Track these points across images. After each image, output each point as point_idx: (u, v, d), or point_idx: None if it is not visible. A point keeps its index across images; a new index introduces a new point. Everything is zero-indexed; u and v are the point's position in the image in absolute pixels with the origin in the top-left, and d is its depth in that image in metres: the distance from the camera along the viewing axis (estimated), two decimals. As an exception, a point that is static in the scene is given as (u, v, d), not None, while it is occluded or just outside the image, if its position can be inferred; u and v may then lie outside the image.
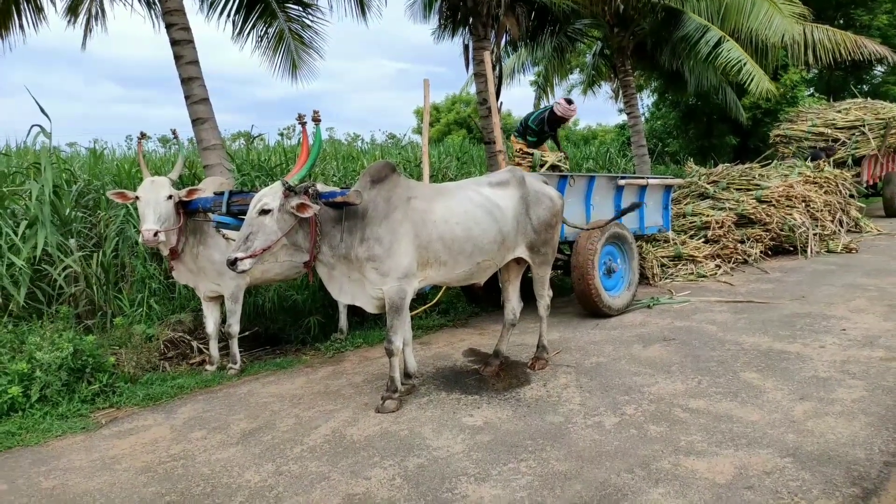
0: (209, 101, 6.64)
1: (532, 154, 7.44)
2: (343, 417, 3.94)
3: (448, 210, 4.06)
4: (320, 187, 3.88)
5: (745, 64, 11.50)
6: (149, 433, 3.91)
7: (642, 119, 15.07)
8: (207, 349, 5.34)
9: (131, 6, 8.12)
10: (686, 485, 2.86)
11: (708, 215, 8.80)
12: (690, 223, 8.84)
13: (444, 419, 3.82)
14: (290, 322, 6.11)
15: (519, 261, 4.58)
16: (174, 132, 5.52)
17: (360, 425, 3.80)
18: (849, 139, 12.72)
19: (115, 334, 5.28)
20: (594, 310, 6.09)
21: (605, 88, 17.63)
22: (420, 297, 6.33)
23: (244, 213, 4.08)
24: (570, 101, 7.60)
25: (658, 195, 7.72)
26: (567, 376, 4.48)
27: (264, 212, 3.58)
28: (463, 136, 25.74)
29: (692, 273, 7.92)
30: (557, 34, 12.72)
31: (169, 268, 5.13)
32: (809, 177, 9.97)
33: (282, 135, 11.84)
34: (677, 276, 7.89)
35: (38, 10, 7.81)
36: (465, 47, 9.77)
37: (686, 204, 9.32)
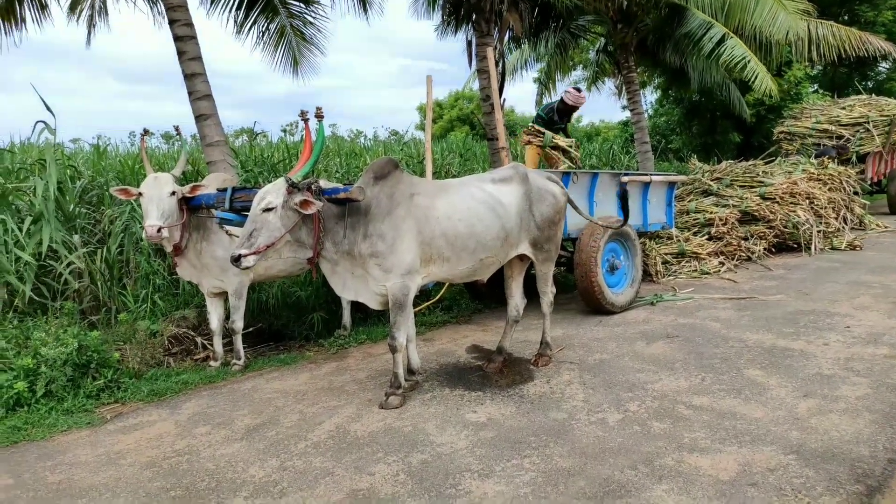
0: (212, 97, 6.64)
1: (544, 133, 7.43)
2: (347, 413, 3.95)
3: (451, 206, 4.06)
4: (323, 184, 3.89)
5: (748, 61, 11.44)
6: (153, 428, 3.92)
7: (645, 115, 15.02)
8: (211, 345, 5.36)
9: (134, 3, 8.13)
10: (689, 482, 2.86)
11: (711, 212, 8.77)
12: (694, 220, 8.82)
13: (447, 415, 3.83)
14: (294, 318, 6.12)
15: (522, 257, 4.58)
16: (177, 128, 5.54)
17: (363, 421, 3.81)
18: (853, 136, 12.67)
19: (120, 330, 5.29)
20: (597, 307, 6.09)
21: (609, 85, 17.58)
22: (423, 294, 6.34)
23: (247, 209, 4.09)
24: (578, 90, 7.71)
25: (661, 192, 7.71)
26: (570, 373, 4.49)
27: (268, 209, 3.58)
28: (466, 133, 25.72)
29: (695, 270, 7.91)
30: (560, 30, 12.70)
31: (172, 264, 5.14)
32: (813, 174, 9.93)
33: (284, 131, 11.83)
34: (681, 273, 7.88)
35: (43, 7, 7.80)
36: (468, 43, 9.75)
37: (689, 201, 9.29)
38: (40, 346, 4.39)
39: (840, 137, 12.75)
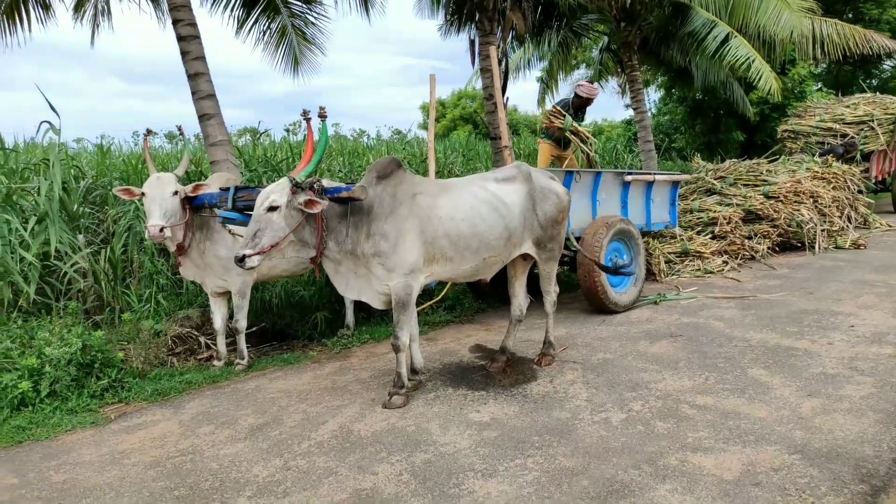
0: (215, 96, 6.64)
1: (565, 116, 7.44)
2: (350, 413, 3.96)
3: (454, 206, 4.06)
4: (326, 183, 3.89)
5: (752, 61, 11.39)
6: (157, 428, 3.93)
7: (649, 114, 14.99)
8: (215, 345, 5.37)
9: (138, 5, 8.14)
10: (693, 481, 2.86)
11: (715, 211, 8.75)
12: (697, 219, 8.80)
13: (450, 415, 3.83)
14: (297, 318, 6.12)
15: (525, 257, 4.58)
16: (179, 128, 5.54)
17: (367, 421, 3.81)
18: (857, 134, 12.62)
19: (124, 330, 5.31)
20: (600, 306, 6.08)
21: (612, 84, 17.54)
22: (426, 293, 6.34)
23: (250, 208, 4.09)
24: (590, 82, 7.78)
25: (665, 191, 7.69)
26: (574, 372, 4.48)
27: (272, 208, 3.58)
28: (469, 132, 25.70)
29: (699, 269, 7.89)
30: (563, 29, 12.67)
31: (176, 263, 5.15)
32: (817, 172, 9.90)
33: (287, 131, 11.84)
34: (684, 272, 7.87)
35: (46, 7, 7.82)
36: (471, 42, 9.74)
37: (693, 200, 9.27)
38: (44, 346, 4.41)
39: (844, 136, 12.70)
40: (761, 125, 17.55)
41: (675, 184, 7.86)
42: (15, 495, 3.14)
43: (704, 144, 18.23)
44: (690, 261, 8.06)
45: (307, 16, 8.89)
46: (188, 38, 6.54)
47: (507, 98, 8.33)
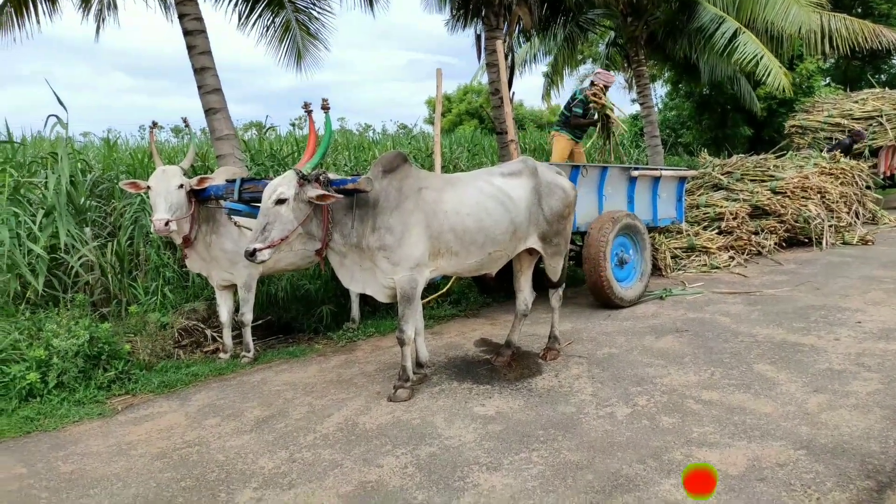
0: (222, 91, 6.65)
1: (606, 95, 7.76)
2: (355, 406, 3.97)
3: (459, 201, 4.06)
4: (331, 176, 3.89)
5: (761, 58, 11.29)
6: (164, 420, 3.95)
7: (655, 109, 14.92)
8: (221, 337, 5.39)
9: (145, 0, 8.14)
10: (698, 476, 2.86)
11: (722, 206, 8.73)
12: (704, 214, 8.77)
13: (455, 408, 3.84)
14: (303, 311, 6.14)
15: (531, 251, 4.57)
16: (185, 121, 5.55)
17: (372, 414, 3.82)
18: (865, 130, 12.55)
19: (130, 322, 5.34)
20: (606, 301, 6.07)
21: (619, 79, 17.48)
22: (431, 287, 6.34)
23: (256, 200, 4.10)
24: (607, 68, 7.90)
25: (672, 187, 7.66)
26: (579, 367, 4.48)
27: (280, 201, 3.57)
28: (474, 127, 25.68)
29: (705, 264, 7.88)
30: (569, 24, 12.62)
31: (182, 256, 5.17)
32: (825, 168, 9.86)
33: (293, 125, 11.86)
34: (690, 267, 7.85)
35: (53, 0, 7.83)
36: (478, 37, 9.72)
37: (700, 195, 9.25)
38: (52, 338, 4.44)
39: (851, 131, 12.64)
40: (769, 120, 17.47)
41: (682, 179, 7.84)
42: (24, 485, 3.16)
43: (711, 140, 18.16)
44: (697, 256, 8.04)
45: (311, 11, 8.88)
46: (194, 33, 6.55)
47: (514, 93, 8.35)
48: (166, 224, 4.52)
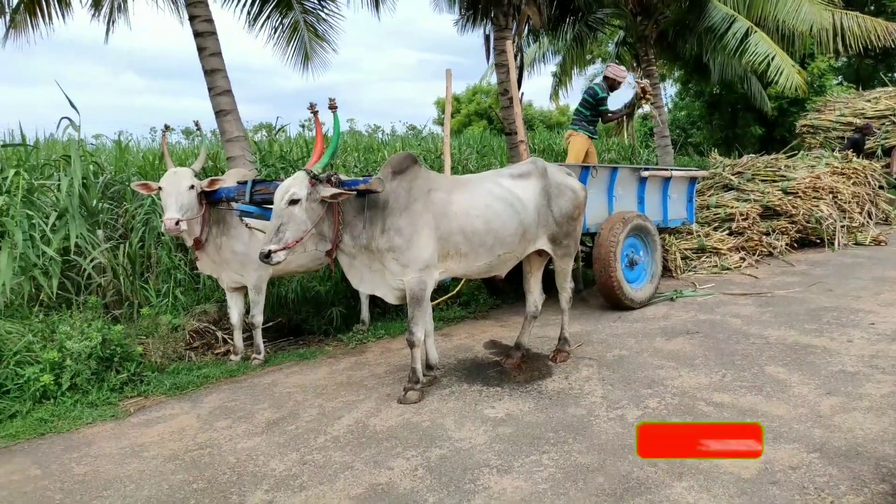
0: (232, 92, 6.69)
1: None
2: (366, 408, 3.98)
3: (468, 203, 4.06)
4: (342, 177, 3.90)
5: (773, 58, 11.20)
6: (176, 422, 3.97)
7: (665, 109, 14.86)
8: (232, 339, 5.41)
9: (155, 2, 8.19)
10: (710, 479, 2.85)
11: (732, 207, 8.67)
12: (714, 215, 8.72)
13: (465, 411, 3.84)
14: (313, 313, 6.16)
15: (541, 253, 4.57)
16: (197, 123, 5.58)
17: (382, 416, 3.83)
18: (878, 129, 12.44)
19: (142, 324, 5.37)
20: (616, 302, 6.05)
21: (629, 78, 17.41)
22: (441, 289, 6.34)
23: (267, 202, 4.11)
24: (617, 64, 7.96)
25: (682, 187, 7.63)
26: (589, 369, 4.47)
27: (293, 202, 3.58)
28: (483, 127, 25.66)
29: (716, 266, 7.83)
30: (578, 23, 12.59)
31: (193, 258, 5.19)
32: (837, 168, 9.77)
33: (303, 126, 11.89)
34: (701, 268, 7.81)
35: (65, 3, 7.89)
36: (486, 37, 9.72)
37: (710, 195, 9.20)
38: (65, 340, 4.48)
39: (859, 127, 12.54)
40: (780, 120, 17.37)
41: (693, 180, 7.80)
42: (38, 486, 3.19)
43: (722, 139, 18.08)
44: (707, 257, 8.00)
45: (319, 12, 8.91)
46: (205, 35, 6.59)
47: (522, 93, 8.33)
48: (177, 223, 4.54)
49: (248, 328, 5.33)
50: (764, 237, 8.56)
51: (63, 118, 6.08)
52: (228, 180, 4.92)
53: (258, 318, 5.15)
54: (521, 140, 7.02)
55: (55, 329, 4.70)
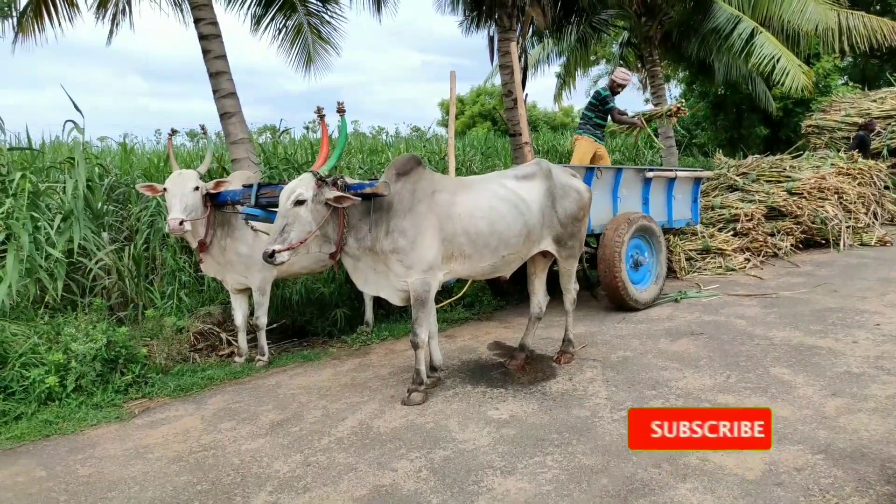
0: (236, 95, 6.70)
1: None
2: (369, 409, 3.98)
3: (472, 204, 4.06)
4: (348, 180, 3.91)
5: (778, 59, 11.14)
6: (180, 423, 3.98)
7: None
8: (236, 341, 5.42)
9: (158, 4, 8.21)
10: (714, 480, 2.84)
11: (737, 208, 8.65)
12: (719, 216, 8.69)
13: (469, 412, 3.83)
14: (317, 315, 6.17)
15: (545, 254, 4.56)
16: (203, 127, 5.60)
17: (386, 417, 3.83)
18: (884, 129, 12.38)
19: (147, 326, 5.39)
20: (621, 303, 6.04)
21: (633, 79, 17.38)
22: (445, 290, 6.34)
23: (272, 204, 4.12)
24: (624, 67, 7.98)
25: (687, 188, 7.61)
26: (593, 370, 4.46)
27: (299, 202, 3.59)
28: (487, 129, 25.66)
29: (721, 266, 7.81)
30: (582, 24, 12.58)
31: (198, 260, 5.21)
32: (842, 168, 9.73)
33: (307, 128, 11.90)
34: (705, 269, 7.79)
35: (73, 4, 7.92)
36: (490, 39, 9.72)
37: (715, 196, 9.17)
38: (70, 342, 4.49)
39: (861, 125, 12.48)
40: (785, 120, 17.29)
41: (698, 180, 7.78)
42: (43, 487, 3.20)
43: (726, 140, 18.01)
44: (712, 258, 7.97)
45: (323, 15, 8.93)
46: (209, 37, 6.61)
47: (527, 94, 8.32)
48: (180, 224, 4.56)
49: (252, 330, 5.34)
50: (769, 238, 8.54)
51: (67, 121, 6.11)
52: (233, 182, 4.94)
53: (262, 319, 5.16)
54: (526, 141, 7.01)
55: (60, 331, 4.72)
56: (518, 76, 7.23)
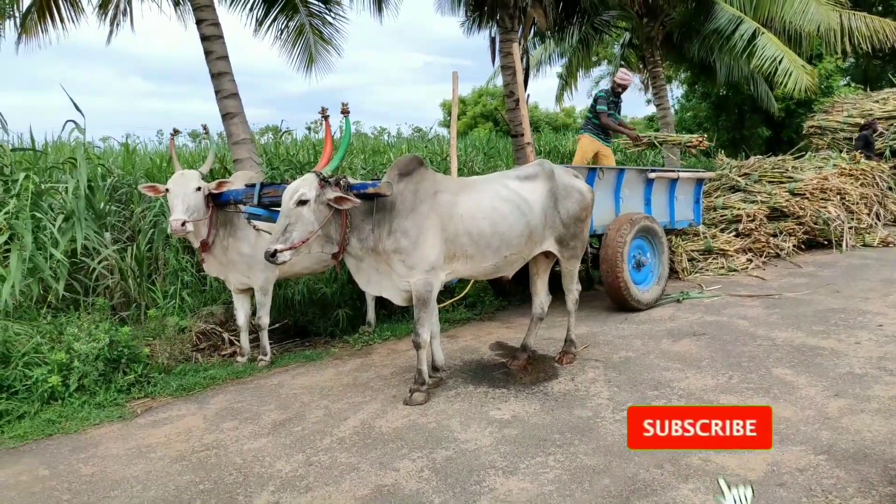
0: (238, 95, 6.71)
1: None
2: (371, 409, 3.98)
3: (475, 205, 4.06)
4: (350, 180, 3.92)
5: (780, 61, 11.12)
6: (182, 423, 3.99)
7: (672, 111, 14.82)
8: (238, 341, 5.43)
9: (159, 5, 8.22)
10: (717, 481, 2.83)
11: (739, 208, 8.64)
12: (721, 216, 8.69)
13: (471, 412, 3.84)
14: (319, 315, 6.17)
15: (548, 254, 4.56)
16: (205, 127, 5.61)
17: (388, 417, 3.83)
18: (886, 130, 12.37)
19: (150, 326, 5.39)
20: (623, 303, 6.04)
21: (634, 80, 17.39)
22: (447, 291, 6.35)
23: (275, 204, 4.13)
24: (626, 68, 8.03)
25: (689, 189, 7.61)
26: (595, 370, 4.46)
27: (301, 202, 3.59)
28: (489, 129, 25.66)
29: (723, 267, 7.81)
30: (584, 25, 12.59)
31: (200, 260, 5.22)
32: (845, 169, 9.73)
33: (309, 129, 11.91)
34: (707, 270, 7.78)
35: (76, 5, 7.94)
36: (492, 40, 9.73)
37: (717, 197, 9.16)
38: (73, 342, 4.50)
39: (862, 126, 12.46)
40: (787, 121, 17.28)
41: (700, 181, 7.78)
42: (46, 487, 3.21)
43: (729, 141, 17.99)
44: (714, 259, 7.97)
45: (325, 15, 8.93)
46: (211, 38, 6.62)
47: (528, 95, 8.33)
48: (183, 224, 4.57)
49: (254, 330, 5.35)
50: (771, 238, 8.53)
51: (68, 121, 6.12)
52: (236, 182, 4.94)
53: (264, 319, 5.16)
54: (528, 142, 7.01)
55: (63, 331, 4.73)
56: (520, 77, 7.22)
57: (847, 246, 8.78)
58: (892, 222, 10.40)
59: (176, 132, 5.43)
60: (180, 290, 5.99)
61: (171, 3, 8.27)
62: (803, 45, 12.63)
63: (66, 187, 5.87)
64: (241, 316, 5.27)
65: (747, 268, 7.86)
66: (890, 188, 10.63)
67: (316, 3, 8.81)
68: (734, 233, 8.41)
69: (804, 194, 8.91)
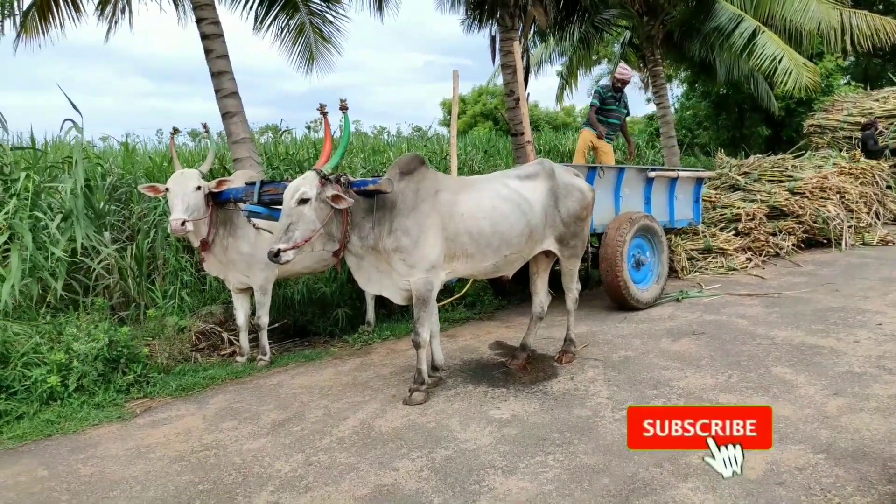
0: (238, 94, 6.70)
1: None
2: (371, 409, 3.98)
3: (475, 204, 4.06)
4: (351, 178, 3.91)
5: (780, 60, 11.11)
6: (182, 423, 3.99)
7: (672, 109, 14.81)
8: (238, 341, 5.43)
9: (159, 4, 8.21)
10: (716, 480, 2.83)
11: (739, 207, 8.64)
12: (721, 215, 8.69)
13: (471, 412, 3.83)
14: (319, 314, 6.17)
15: (548, 253, 4.56)
16: (205, 126, 5.60)
17: (387, 417, 3.83)
18: (887, 129, 12.36)
19: (149, 326, 5.39)
20: (622, 302, 6.04)
21: (634, 78, 17.38)
22: (447, 290, 6.34)
23: (275, 202, 4.13)
24: (621, 66, 8.15)
25: (689, 188, 7.60)
26: (594, 370, 4.46)
27: (303, 201, 3.58)
28: (489, 128, 25.65)
29: (722, 266, 7.81)
30: (584, 24, 12.58)
31: (200, 259, 5.22)
32: (844, 168, 9.73)
33: (309, 128, 11.90)
34: (707, 269, 7.79)
35: (75, 5, 7.93)
36: (492, 38, 9.72)
37: (716, 196, 9.16)
38: (72, 342, 4.49)
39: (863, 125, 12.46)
40: (787, 120, 17.27)
41: (700, 180, 7.77)
42: (45, 487, 3.21)
43: (728, 140, 17.99)
44: (713, 258, 7.97)
45: (325, 14, 8.92)
46: (212, 37, 6.61)
47: (528, 94, 8.32)
48: (182, 224, 4.57)
49: (253, 329, 5.34)
50: (770, 237, 8.53)
51: (66, 120, 6.11)
52: (236, 181, 4.94)
53: (264, 319, 5.16)
54: (528, 141, 7.00)
55: (62, 331, 4.73)
56: (520, 75, 7.21)
57: (846, 245, 8.78)
58: (892, 221, 10.41)
59: (176, 131, 5.43)
60: (180, 289, 5.99)
61: (171, 1, 8.27)
62: (804, 44, 12.62)
63: (65, 187, 5.86)
64: (241, 315, 5.27)
65: (747, 267, 7.86)
66: (889, 187, 10.63)
67: (316, 1, 8.80)
68: (734, 232, 8.41)
69: (804, 193, 8.92)
